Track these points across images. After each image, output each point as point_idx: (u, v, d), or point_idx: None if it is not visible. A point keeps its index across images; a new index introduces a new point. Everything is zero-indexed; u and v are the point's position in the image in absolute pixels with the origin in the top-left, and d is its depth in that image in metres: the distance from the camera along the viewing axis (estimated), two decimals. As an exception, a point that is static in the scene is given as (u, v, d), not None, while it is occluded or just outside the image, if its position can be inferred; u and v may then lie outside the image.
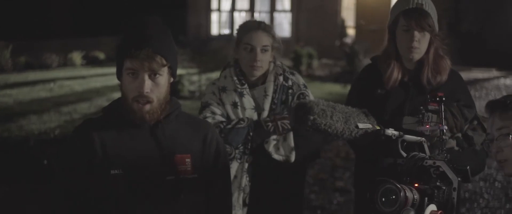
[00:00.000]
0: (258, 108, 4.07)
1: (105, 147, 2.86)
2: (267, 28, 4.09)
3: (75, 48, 23.07)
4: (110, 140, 2.88)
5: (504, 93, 12.29)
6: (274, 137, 4.01)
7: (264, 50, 4.03)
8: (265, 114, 4.04)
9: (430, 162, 2.82)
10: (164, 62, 2.84)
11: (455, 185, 2.77)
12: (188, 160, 2.95)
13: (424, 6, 3.87)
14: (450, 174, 2.78)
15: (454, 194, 2.78)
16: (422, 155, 2.87)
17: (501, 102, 3.03)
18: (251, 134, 3.96)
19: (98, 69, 21.02)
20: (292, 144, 4.00)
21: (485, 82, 18.51)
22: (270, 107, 4.06)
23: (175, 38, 2.99)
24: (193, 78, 15.22)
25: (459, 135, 3.81)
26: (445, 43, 4.01)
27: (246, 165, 4.00)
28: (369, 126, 3.07)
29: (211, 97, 4.09)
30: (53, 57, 21.89)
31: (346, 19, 24.83)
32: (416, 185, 2.75)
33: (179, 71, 14.76)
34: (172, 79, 2.96)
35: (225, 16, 26.49)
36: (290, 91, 4.08)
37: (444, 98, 3.01)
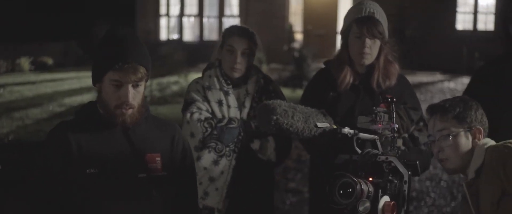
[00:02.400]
0: (240, 106, 4.30)
1: (80, 147, 3.03)
2: (249, 34, 4.32)
3: (22, 53, 22.87)
4: (85, 141, 3.05)
5: (448, 96, 12.66)
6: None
7: (244, 54, 4.26)
8: (246, 111, 4.27)
9: (383, 157, 3.04)
10: (146, 72, 3.05)
11: (406, 178, 3.00)
12: (158, 158, 3.15)
13: (375, 14, 4.10)
14: (401, 168, 3.00)
15: (405, 187, 3.00)
16: (375, 151, 3.09)
17: (440, 106, 3.30)
18: (241, 134, 4.20)
19: (47, 74, 20.88)
20: (274, 145, 4.25)
21: (430, 86, 18.88)
22: (251, 104, 4.29)
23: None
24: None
25: (406, 135, 4.06)
26: (394, 50, 4.24)
27: (234, 162, 4.22)
28: (327, 125, 3.28)
29: (197, 94, 4.30)
30: (0, 63, 21.69)
31: (294, 24, 25.09)
32: (370, 179, 2.97)
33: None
34: None
35: (173, 21, 26.52)
36: (272, 94, 4.29)
37: (394, 100, 3.23)
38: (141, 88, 3.08)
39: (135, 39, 3.09)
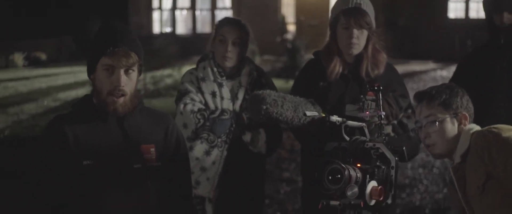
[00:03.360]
0: (233, 98, 4.38)
1: (77, 139, 3.11)
2: (240, 24, 4.41)
3: (16, 49, 22.93)
4: (81, 133, 3.13)
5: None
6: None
7: (235, 43, 4.35)
8: (238, 103, 4.35)
9: (370, 144, 3.13)
10: (137, 59, 3.13)
11: (393, 164, 3.09)
12: (152, 149, 3.23)
13: (362, 5, 4.18)
14: (389, 154, 3.09)
15: (392, 172, 3.10)
16: (363, 138, 3.17)
17: (427, 93, 3.39)
18: (233, 125, 4.29)
19: (40, 70, 20.95)
20: (265, 138, 4.35)
21: (423, 75, 18.95)
22: (244, 96, 4.37)
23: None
24: (138, 77, 15.30)
25: (395, 122, 4.16)
26: (382, 39, 4.33)
27: (225, 153, 4.31)
28: (316, 113, 3.37)
29: (190, 85, 4.39)
30: (-6, 59, 21.78)
31: (286, 15, 25.14)
32: (359, 165, 3.06)
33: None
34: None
35: (166, 15, 26.57)
36: (266, 87, 4.27)
37: (381, 88, 3.32)
38: (133, 75, 3.16)
39: (126, 29, 3.19)
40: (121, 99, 3.14)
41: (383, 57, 4.29)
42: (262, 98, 3.27)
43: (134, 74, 3.16)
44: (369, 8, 4.22)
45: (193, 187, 4.25)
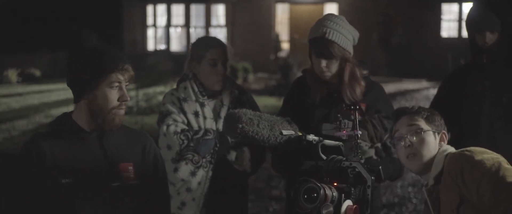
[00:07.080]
0: (216, 117, 4.40)
1: (55, 157, 3.12)
2: (224, 44, 4.45)
3: (10, 65, 22.95)
4: (59, 151, 3.14)
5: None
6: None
7: (224, 64, 4.38)
8: (221, 122, 4.29)
9: (347, 163, 3.13)
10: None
11: (369, 183, 3.09)
12: (130, 168, 3.25)
13: (327, 34, 4.12)
14: (365, 174, 3.09)
15: (368, 191, 3.09)
16: (340, 157, 3.18)
17: (408, 108, 3.42)
18: (217, 145, 4.30)
19: (34, 86, 20.95)
20: (249, 156, 4.36)
21: (415, 93, 19.01)
22: None
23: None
24: (131, 94, 15.25)
25: (379, 144, 4.14)
26: (359, 69, 4.26)
27: (210, 173, 4.33)
28: (292, 132, 3.37)
29: (172, 106, 4.39)
30: (-12, 75, 21.79)
31: (280, 33, 25.24)
32: (335, 183, 3.07)
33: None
34: None
35: (160, 32, 26.66)
36: (247, 105, 4.31)
37: (358, 107, 3.33)
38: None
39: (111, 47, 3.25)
40: (122, 111, 3.20)
41: (361, 85, 4.23)
42: (238, 117, 3.28)
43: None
44: (337, 37, 4.16)
45: (178, 208, 4.27)
